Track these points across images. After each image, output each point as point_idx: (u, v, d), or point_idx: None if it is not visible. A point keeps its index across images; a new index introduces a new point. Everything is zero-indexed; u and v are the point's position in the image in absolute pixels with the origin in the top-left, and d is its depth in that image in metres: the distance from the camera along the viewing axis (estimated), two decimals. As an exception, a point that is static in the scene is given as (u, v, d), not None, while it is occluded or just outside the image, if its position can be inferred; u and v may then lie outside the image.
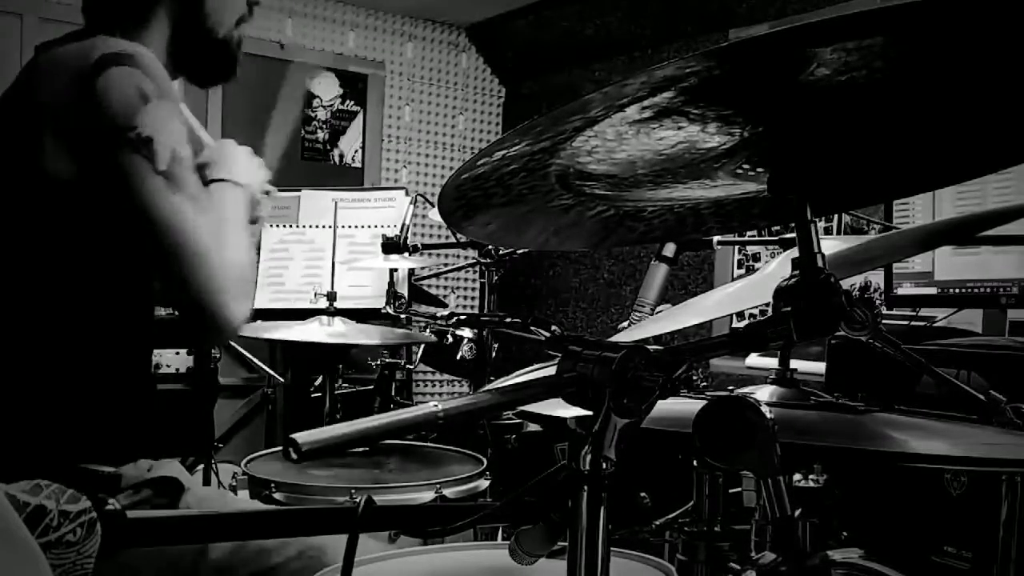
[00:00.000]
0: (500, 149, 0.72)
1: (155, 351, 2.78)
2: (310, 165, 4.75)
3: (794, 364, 1.09)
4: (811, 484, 1.13)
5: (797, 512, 0.78)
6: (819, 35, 0.59)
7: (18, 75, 1.35)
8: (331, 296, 2.42)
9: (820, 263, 0.74)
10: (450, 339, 2.81)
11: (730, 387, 1.07)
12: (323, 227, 3.32)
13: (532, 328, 2.56)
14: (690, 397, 1.05)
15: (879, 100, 0.70)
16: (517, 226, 0.96)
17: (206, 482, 2.94)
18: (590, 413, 0.67)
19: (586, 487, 0.66)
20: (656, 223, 0.96)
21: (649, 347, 0.68)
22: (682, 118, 0.70)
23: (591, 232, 0.97)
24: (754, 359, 3.06)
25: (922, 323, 2.35)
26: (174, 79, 1.50)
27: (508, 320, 2.69)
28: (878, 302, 2.16)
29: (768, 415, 0.71)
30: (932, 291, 2.04)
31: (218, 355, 3.19)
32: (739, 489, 1.06)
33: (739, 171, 0.80)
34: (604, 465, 0.66)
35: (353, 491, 1.68)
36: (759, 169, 0.79)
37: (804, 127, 0.74)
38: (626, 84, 0.62)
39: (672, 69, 0.60)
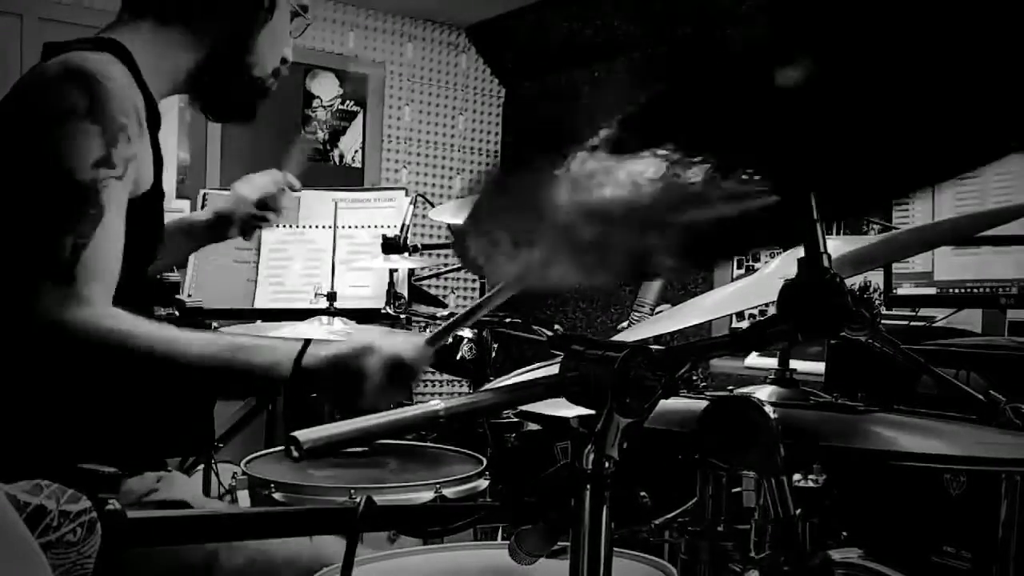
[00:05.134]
0: None
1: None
2: (310, 165, 4.72)
3: (793, 364, 1.09)
4: (810, 484, 1.13)
5: (797, 512, 0.78)
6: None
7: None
8: (331, 296, 2.42)
9: (826, 263, 0.74)
10: (450, 339, 2.80)
11: (730, 387, 1.07)
12: (323, 227, 3.32)
13: (535, 328, 2.56)
14: (690, 397, 1.05)
15: (849, 98, 0.68)
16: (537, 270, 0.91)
17: (206, 482, 2.94)
18: (592, 412, 0.67)
19: (589, 486, 0.66)
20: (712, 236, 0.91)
21: (652, 346, 0.68)
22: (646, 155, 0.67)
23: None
24: (753, 359, 3.06)
25: (921, 323, 2.35)
26: (193, 105, 1.50)
27: (508, 320, 2.69)
28: (877, 302, 2.16)
29: (772, 415, 0.71)
30: (932, 291, 2.04)
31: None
32: (738, 489, 1.06)
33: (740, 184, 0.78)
34: (607, 464, 0.66)
35: (353, 491, 1.68)
36: (758, 177, 0.78)
37: (782, 129, 0.72)
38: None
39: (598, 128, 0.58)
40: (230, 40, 1.45)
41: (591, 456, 0.66)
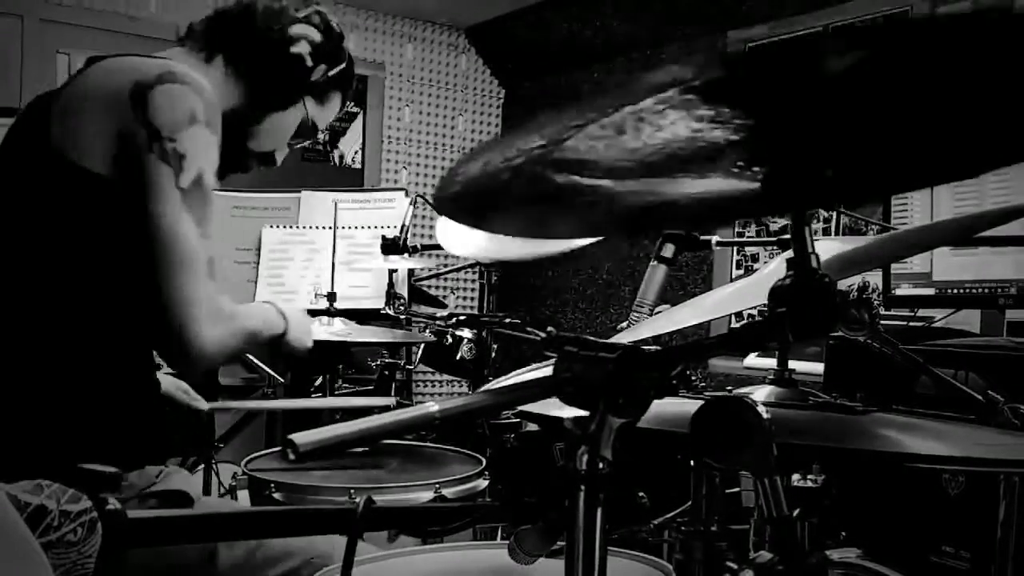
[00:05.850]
0: (487, 154, 0.71)
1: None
2: (310, 166, 4.75)
3: (792, 364, 1.09)
4: (809, 484, 1.14)
5: (795, 512, 0.79)
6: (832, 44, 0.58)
7: (72, 78, 1.39)
8: (331, 297, 2.42)
9: (814, 264, 0.74)
10: (450, 339, 2.81)
11: (728, 387, 1.07)
12: (323, 228, 3.32)
13: (529, 328, 2.56)
14: (688, 397, 1.05)
15: (887, 93, 0.68)
16: (541, 223, 0.93)
17: (206, 482, 2.94)
18: (587, 413, 0.67)
19: (583, 487, 0.66)
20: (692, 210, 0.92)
21: (645, 347, 0.68)
22: (682, 111, 0.68)
23: (623, 220, 0.93)
24: (752, 359, 3.07)
25: (920, 323, 2.36)
26: None
27: (507, 320, 2.69)
28: (876, 303, 2.16)
29: (765, 415, 0.71)
30: (930, 292, 2.04)
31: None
32: (737, 489, 1.07)
33: (734, 169, 0.79)
34: (600, 465, 0.66)
35: (353, 491, 1.68)
36: (754, 168, 0.78)
37: (805, 124, 0.72)
38: (629, 89, 0.61)
39: (674, 75, 0.59)
40: (248, 102, 1.52)
41: (584, 457, 0.66)
